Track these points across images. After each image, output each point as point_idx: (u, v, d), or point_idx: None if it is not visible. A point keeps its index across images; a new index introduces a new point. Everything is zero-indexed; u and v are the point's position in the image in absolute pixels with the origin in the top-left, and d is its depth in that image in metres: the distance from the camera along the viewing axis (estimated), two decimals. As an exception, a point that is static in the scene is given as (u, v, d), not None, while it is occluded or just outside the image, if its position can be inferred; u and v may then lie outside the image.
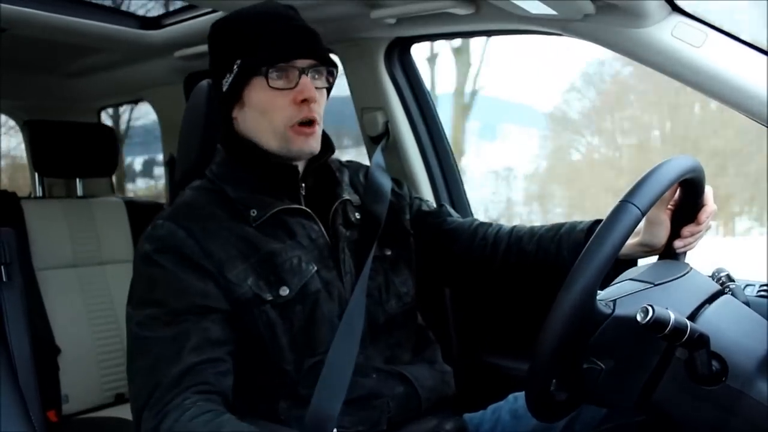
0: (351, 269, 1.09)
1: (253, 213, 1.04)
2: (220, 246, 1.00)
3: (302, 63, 1.04)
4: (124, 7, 1.85)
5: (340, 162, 1.25)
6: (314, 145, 1.07)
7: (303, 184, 1.11)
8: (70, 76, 2.40)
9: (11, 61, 2.06)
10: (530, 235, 1.17)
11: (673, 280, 0.82)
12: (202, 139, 1.24)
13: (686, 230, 0.95)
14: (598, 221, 1.09)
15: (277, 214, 1.05)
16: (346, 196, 1.16)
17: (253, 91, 1.05)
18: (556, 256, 1.12)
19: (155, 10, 1.87)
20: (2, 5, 1.54)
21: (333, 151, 1.16)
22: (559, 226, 1.15)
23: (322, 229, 1.09)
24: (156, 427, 0.88)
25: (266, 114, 1.05)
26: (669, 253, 0.97)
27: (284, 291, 1.01)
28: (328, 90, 1.12)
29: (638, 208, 0.76)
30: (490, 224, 1.25)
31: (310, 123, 1.05)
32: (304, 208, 1.08)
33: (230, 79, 1.06)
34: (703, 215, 0.94)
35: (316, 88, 1.05)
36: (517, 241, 1.18)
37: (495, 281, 1.25)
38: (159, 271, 0.98)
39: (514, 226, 1.22)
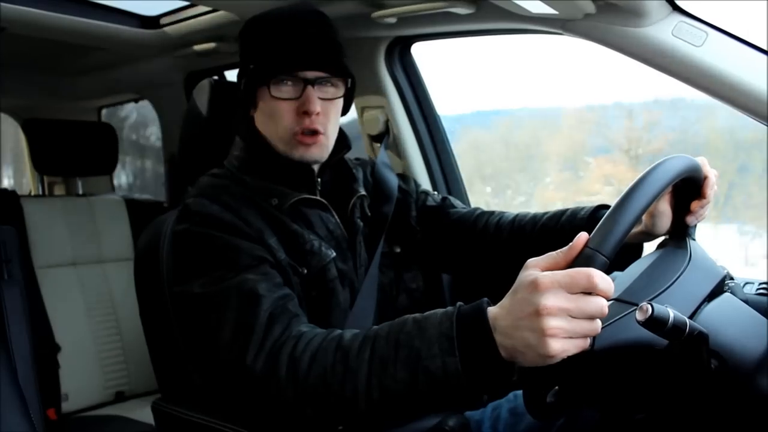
0: (365, 262, 1.12)
1: (274, 202, 1.06)
2: (254, 218, 1.02)
3: (310, 74, 1.05)
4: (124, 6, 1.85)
5: (353, 159, 1.27)
6: (317, 154, 1.08)
7: (319, 179, 1.12)
8: (70, 75, 2.40)
9: (11, 61, 2.06)
10: (533, 224, 1.17)
11: (661, 293, 0.79)
12: (204, 137, 1.25)
13: (695, 205, 0.94)
14: (599, 206, 1.09)
15: (296, 204, 1.07)
16: (362, 192, 1.18)
17: (261, 97, 1.08)
18: (557, 242, 1.10)
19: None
20: (2, 4, 1.54)
21: (349, 148, 1.17)
22: (560, 213, 1.14)
23: (339, 221, 1.11)
24: (273, 364, 0.84)
25: (272, 120, 1.07)
26: (679, 230, 0.96)
27: (303, 270, 1.03)
28: (349, 97, 1.13)
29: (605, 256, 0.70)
30: (492, 212, 1.25)
31: (312, 133, 1.06)
32: (321, 199, 1.10)
33: (245, 81, 1.09)
34: (708, 189, 0.93)
35: (325, 99, 1.06)
36: (519, 229, 1.18)
37: (497, 272, 1.24)
38: (205, 240, 0.98)
39: (517, 215, 1.21)
